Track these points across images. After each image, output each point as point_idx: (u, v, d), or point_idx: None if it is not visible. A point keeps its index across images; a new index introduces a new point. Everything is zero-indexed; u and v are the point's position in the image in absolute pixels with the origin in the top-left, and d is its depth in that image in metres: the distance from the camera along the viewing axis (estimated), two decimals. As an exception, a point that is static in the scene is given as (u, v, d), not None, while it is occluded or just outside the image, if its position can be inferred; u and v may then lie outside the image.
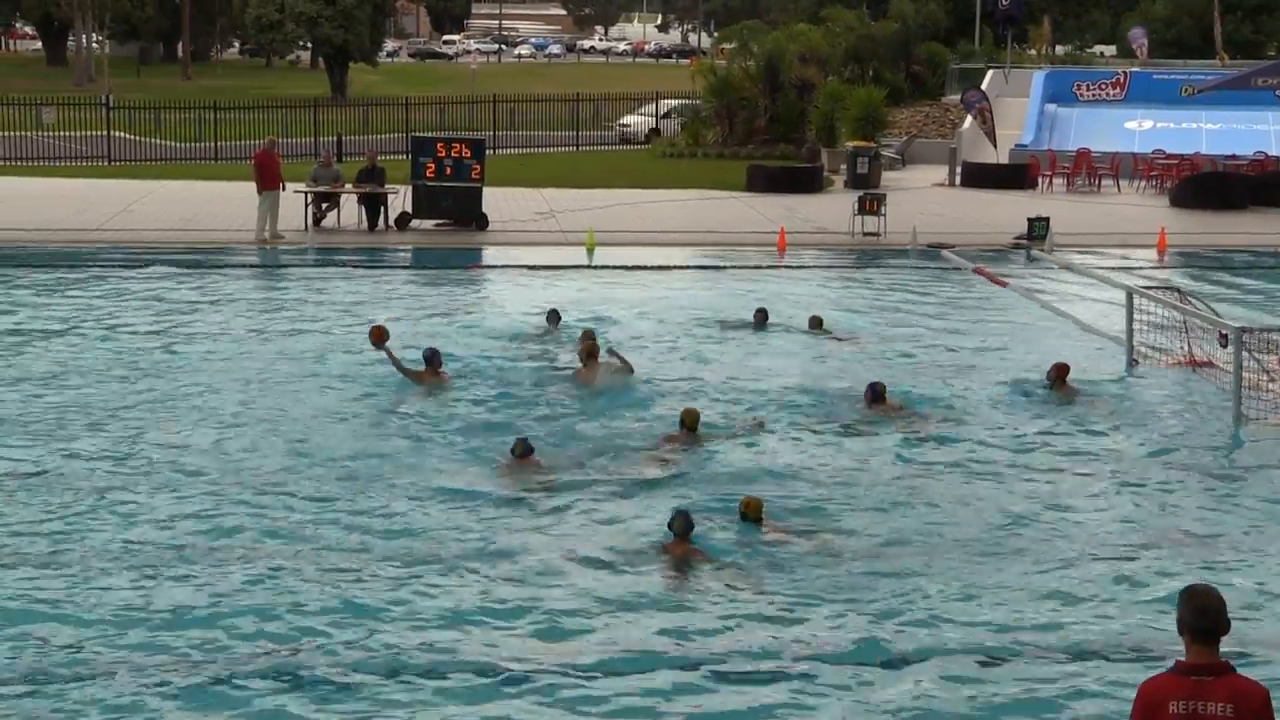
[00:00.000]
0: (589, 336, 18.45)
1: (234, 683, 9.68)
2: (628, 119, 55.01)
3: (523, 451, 14.09)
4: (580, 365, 17.66)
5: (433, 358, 17.21)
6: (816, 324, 21.25)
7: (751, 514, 12.48)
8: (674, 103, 54.98)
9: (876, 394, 16.50)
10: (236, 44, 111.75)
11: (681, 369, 18.71)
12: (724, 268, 28.00)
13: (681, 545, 11.76)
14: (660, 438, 15.26)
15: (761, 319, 21.43)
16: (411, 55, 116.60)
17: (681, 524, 11.83)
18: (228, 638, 10.35)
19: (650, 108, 55.54)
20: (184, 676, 9.74)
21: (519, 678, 9.80)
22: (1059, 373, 17.58)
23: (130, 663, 9.93)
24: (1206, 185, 37.95)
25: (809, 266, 28.46)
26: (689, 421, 15.22)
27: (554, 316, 20.99)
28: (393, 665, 9.96)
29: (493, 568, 11.70)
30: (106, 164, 44.10)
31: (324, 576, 11.46)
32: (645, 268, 27.38)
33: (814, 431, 15.92)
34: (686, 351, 19.94)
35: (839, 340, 20.76)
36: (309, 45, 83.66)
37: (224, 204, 34.10)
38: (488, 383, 17.73)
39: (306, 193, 31.08)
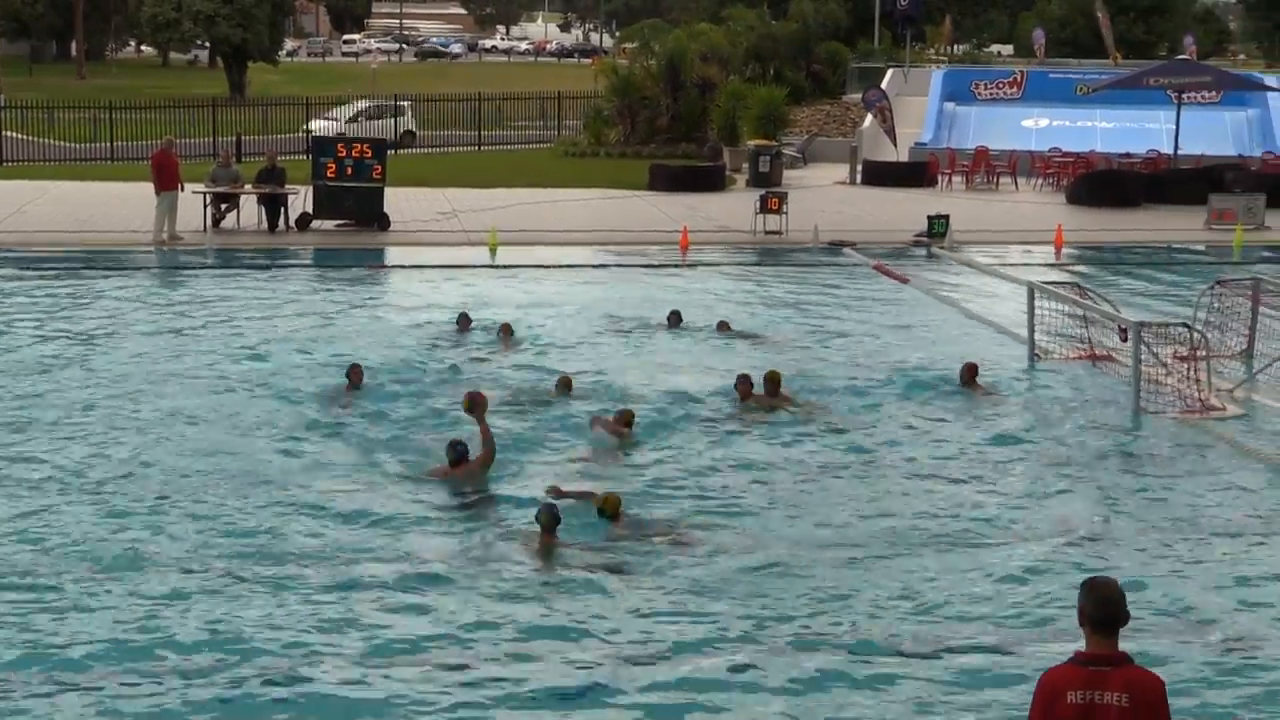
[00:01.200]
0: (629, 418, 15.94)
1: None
2: (315, 123, 48.94)
3: (455, 458, 13.98)
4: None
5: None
6: (724, 327, 21.18)
7: (609, 510, 12.66)
8: (365, 104, 53.51)
9: (747, 383, 16.65)
10: (133, 43, 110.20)
11: (595, 368, 18.59)
12: (628, 266, 27.99)
13: (548, 538, 12.05)
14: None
15: (675, 320, 21.37)
16: (311, 54, 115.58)
17: (547, 518, 12.13)
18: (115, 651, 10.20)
19: (340, 111, 52.38)
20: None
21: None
22: (969, 373, 17.71)
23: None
24: (1102, 183, 38.50)
25: (712, 265, 28.52)
26: (626, 419, 15.33)
27: (464, 319, 20.90)
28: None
29: (379, 568, 11.70)
30: (-2, 164, 43.33)
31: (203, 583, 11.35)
32: (549, 266, 27.31)
33: (717, 430, 15.97)
34: (598, 352, 19.85)
35: (750, 339, 20.77)
36: (207, 44, 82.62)
37: (121, 205, 33.59)
38: (393, 385, 17.60)
39: (205, 193, 30.69)
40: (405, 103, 53.93)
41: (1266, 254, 30.71)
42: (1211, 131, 44.72)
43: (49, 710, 9.27)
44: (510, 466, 14.34)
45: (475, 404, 14.09)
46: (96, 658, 10.03)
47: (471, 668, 10.00)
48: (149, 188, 30.11)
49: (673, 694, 9.68)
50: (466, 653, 10.25)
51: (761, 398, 16.58)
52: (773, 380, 16.68)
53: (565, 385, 17.16)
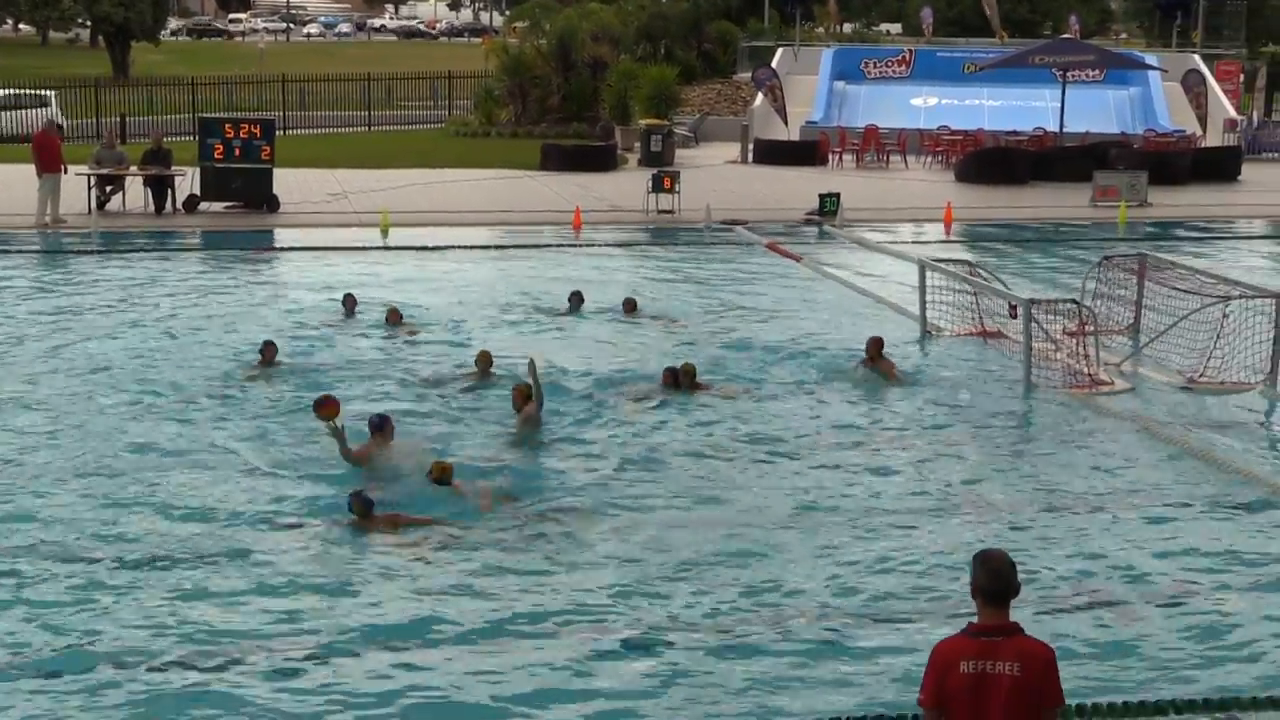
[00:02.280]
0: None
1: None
2: None
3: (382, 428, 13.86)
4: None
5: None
6: (630, 307, 21.01)
7: (445, 478, 12.73)
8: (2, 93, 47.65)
9: (677, 376, 16.52)
10: (10, 20, 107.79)
11: (495, 350, 18.37)
12: (522, 246, 27.90)
13: (368, 520, 12.09)
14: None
15: (577, 301, 21.18)
16: (190, 33, 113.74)
17: (360, 506, 12.14)
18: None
19: None
20: None
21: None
22: (875, 346, 17.54)
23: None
24: (990, 160, 38.94)
25: (605, 245, 28.50)
26: (517, 399, 15.02)
27: (349, 300, 20.67)
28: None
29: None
30: (-127, 147, 42.23)
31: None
32: (441, 248, 27.12)
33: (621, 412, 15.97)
34: (498, 334, 19.64)
35: (653, 320, 20.72)
36: (88, 23, 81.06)
37: (0, 188, 32.88)
38: (288, 365, 17.46)
39: (89, 175, 30.16)
40: (49, 92, 48.01)
41: (1150, 230, 31.25)
42: (1095, 110, 45.40)
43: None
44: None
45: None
46: None
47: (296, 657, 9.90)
48: (30, 170, 29.52)
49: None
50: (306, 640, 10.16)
51: (677, 388, 16.45)
52: (688, 373, 16.58)
53: (485, 362, 16.96)
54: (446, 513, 12.39)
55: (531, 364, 14.68)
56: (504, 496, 12.84)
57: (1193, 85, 45.70)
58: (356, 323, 20.10)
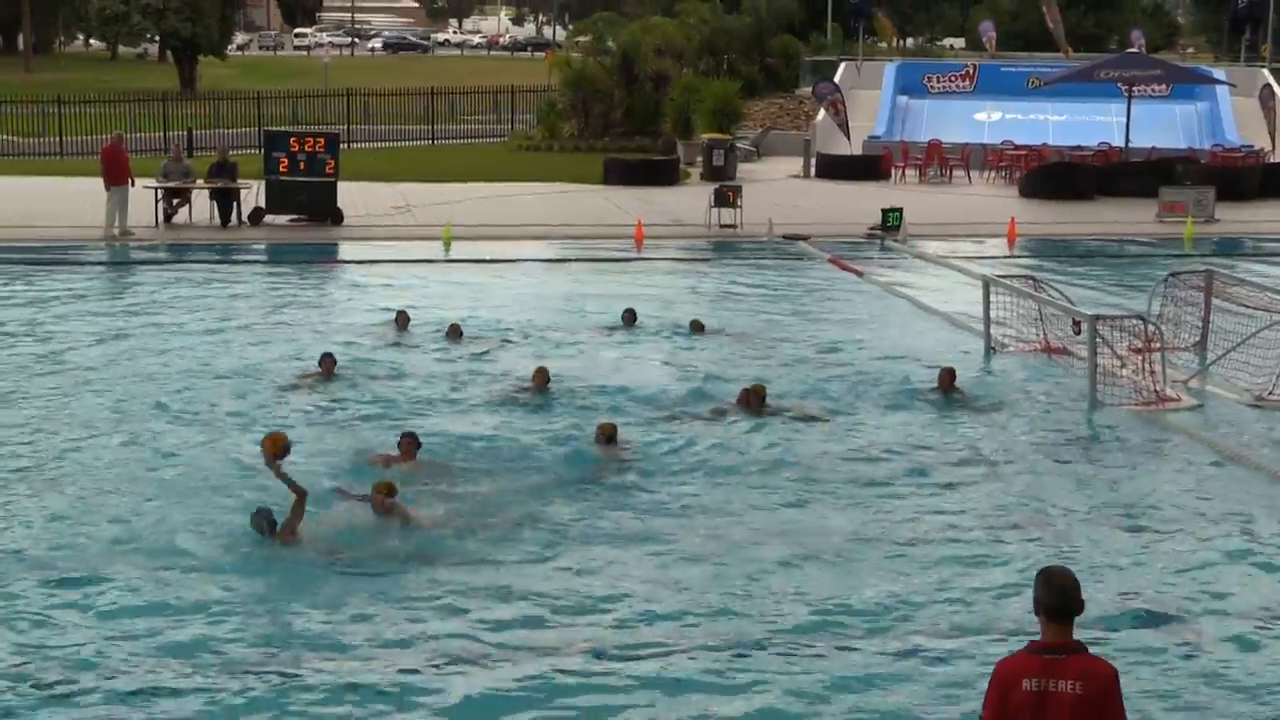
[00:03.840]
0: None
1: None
2: None
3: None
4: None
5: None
6: (698, 328, 20.76)
7: (383, 490, 12.48)
8: None
9: (750, 397, 16.45)
10: (81, 36, 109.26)
11: (555, 367, 18.32)
12: (583, 260, 27.96)
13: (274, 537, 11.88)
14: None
15: (630, 318, 21.07)
16: (262, 48, 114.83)
17: (261, 522, 11.92)
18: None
19: None
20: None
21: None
22: (947, 378, 17.25)
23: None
24: (1054, 175, 38.69)
25: (668, 259, 28.50)
26: (607, 433, 14.86)
27: (402, 317, 20.63)
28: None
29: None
30: (-55, 160, 42.90)
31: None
32: (504, 261, 27.23)
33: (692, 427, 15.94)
34: (557, 351, 19.56)
35: (719, 338, 20.54)
36: (156, 38, 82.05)
37: (71, 200, 33.25)
38: (361, 381, 17.59)
39: (157, 188, 30.48)
40: None
41: (1217, 246, 30.94)
42: (1161, 124, 45.01)
43: None
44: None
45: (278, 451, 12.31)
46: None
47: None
48: (99, 183, 29.87)
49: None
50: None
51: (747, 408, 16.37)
52: (758, 394, 16.43)
53: (542, 378, 16.99)
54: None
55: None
56: (457, 521, 12.57)
57: (1265, 100, 45.26)
58: (417, 337, 20.15)
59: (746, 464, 14.66)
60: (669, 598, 11.12)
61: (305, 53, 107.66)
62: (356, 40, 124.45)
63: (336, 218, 30.98)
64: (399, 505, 12.47)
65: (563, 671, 9.84)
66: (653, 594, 11.18)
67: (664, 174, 39.89)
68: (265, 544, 11.85)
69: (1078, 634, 6.68)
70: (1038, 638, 6.72)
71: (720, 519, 13.03)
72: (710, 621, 10.71)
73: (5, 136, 47.22)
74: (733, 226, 31.67)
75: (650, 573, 11.66)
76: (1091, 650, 6.72)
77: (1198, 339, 19.47)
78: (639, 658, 10.08)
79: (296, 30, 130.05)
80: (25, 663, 9.84)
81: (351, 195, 32.88)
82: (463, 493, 13.47)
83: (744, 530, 12.73)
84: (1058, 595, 6.65)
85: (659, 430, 15.72)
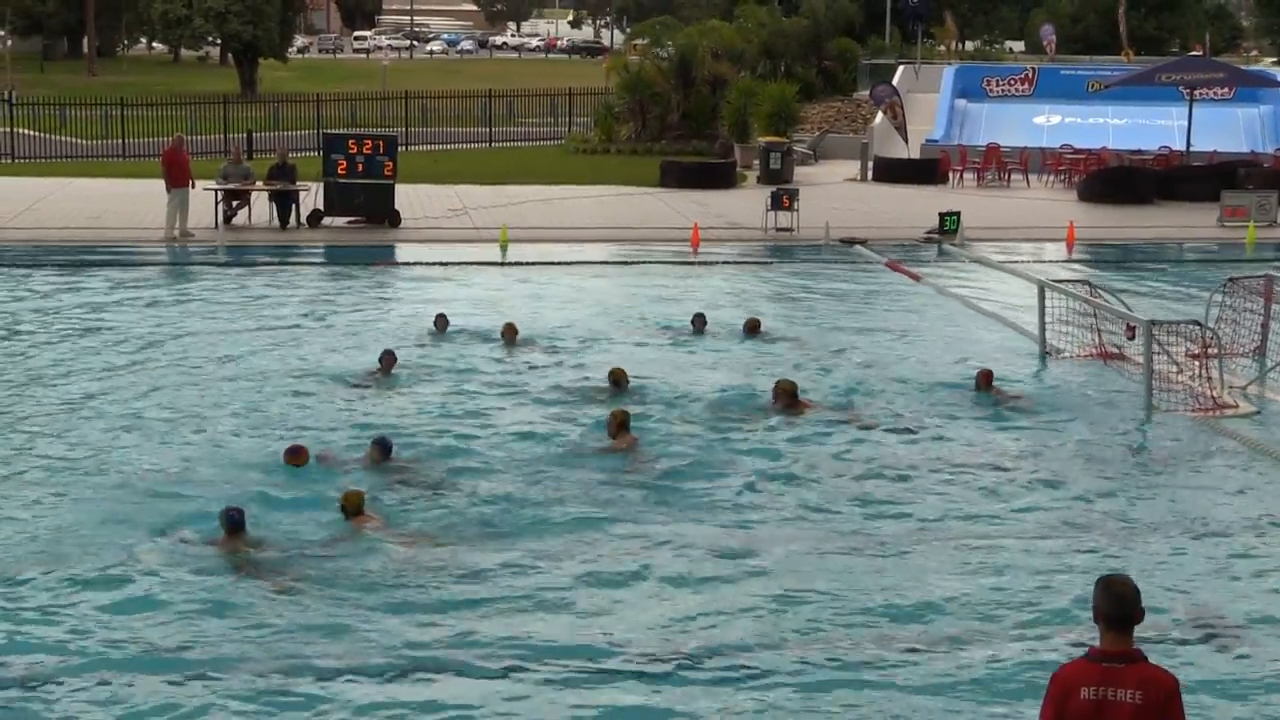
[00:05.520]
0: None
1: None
2: None
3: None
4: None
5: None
6: (753, 328, 20.75)
7: (350, 507, 12.46)
8: None
9: (788, 395, 16.45)
10: (144, 39, 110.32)
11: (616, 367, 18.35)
12: (639, 263, 27.97)
13: (231, 540, 11.91)
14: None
15: (700, 324, 20.84)
16: (322, 51, 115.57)
17: (228, 521, 11.99)
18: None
19: None
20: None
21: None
22: (984, 379, 17.35)
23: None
24: (1114, 179, 38.40)
25: (724, 262, 28.48)
26: (620, 419, 14.95)
27: (440, 320, 20.64)
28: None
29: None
30: (10, 161, 43.35)
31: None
32: (561, 264, 27.28)
33: (736, 432, 15.94)
34: (615, 352, 19.49)
35: (775, 340, 20.48)
36: (218, 41, 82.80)
37: (132, 201, 33.63)
38: (419, 381, 17.68)
39: (217, 190, 30.74)
40: None
41: (1279, 250, 30.60)
42: (1224, 128, 44.62)
43: None
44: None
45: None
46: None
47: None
48: (160, 184, 30.14)
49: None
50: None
51: (782, 407, 16.38)
52: (787, 391, 16.50)
53: (617, 381, 17.02)
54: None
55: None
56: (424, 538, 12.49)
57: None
58: (473, 337, 20.21)
59: (785, 465, 14.64)
60: (742, 601, 11.14)
61: (365, 55, 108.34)
62: (415, 43, 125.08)
63: (394, 220, 31.13)
64: (373, 519, 12.50)
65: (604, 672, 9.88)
66: (726, 598, 11.20)
67: (721, 177, 39.88)
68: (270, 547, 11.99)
69: (1136, 642, 6.64)
70: (1096, 645, 6.69)
71: (757, 519, 13.06)
72: (759, 621, 10.72)
73: (70, 139, 47.74)
74: (789, 230, 31.62)
75: (712, 571, 11.68)
76: (1150, 659, 6.68)
77: (1256, 344, 19.28)
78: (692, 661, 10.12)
79: (356, 33, 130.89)
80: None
81: (409, 197, 33.00)
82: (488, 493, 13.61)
83: (785, 530, 12.72)
84: (1116, 603, 6.62)
85: (697, 430, 15.77)
